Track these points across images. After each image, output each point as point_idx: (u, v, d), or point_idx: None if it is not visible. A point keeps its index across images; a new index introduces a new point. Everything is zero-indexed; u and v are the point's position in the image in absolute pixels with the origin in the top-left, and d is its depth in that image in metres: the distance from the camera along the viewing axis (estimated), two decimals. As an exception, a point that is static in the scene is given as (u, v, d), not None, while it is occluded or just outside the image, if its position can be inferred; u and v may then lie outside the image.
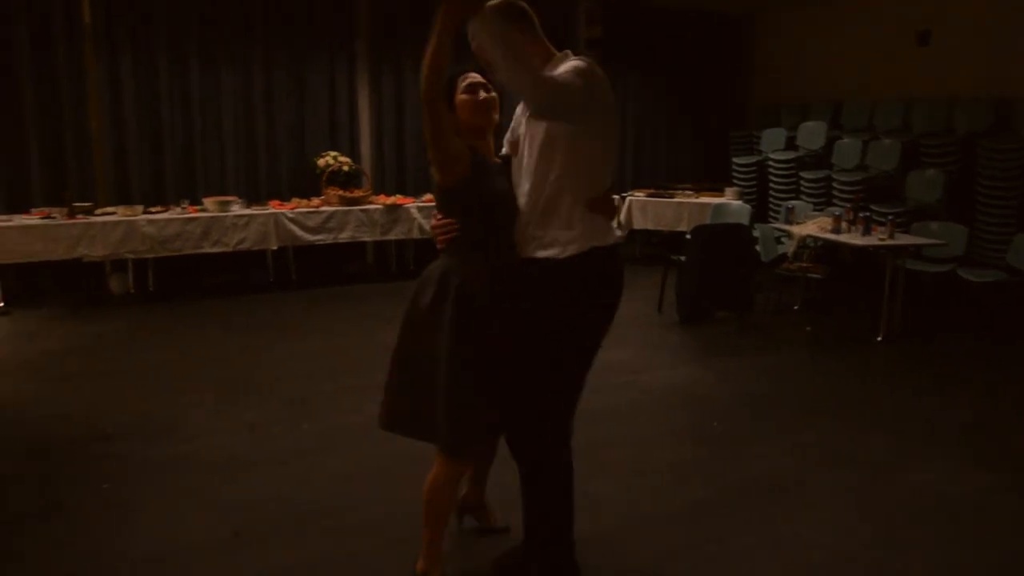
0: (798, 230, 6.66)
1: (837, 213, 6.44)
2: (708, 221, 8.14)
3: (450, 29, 2.24)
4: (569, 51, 2.55)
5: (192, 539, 3.07)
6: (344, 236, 7.79)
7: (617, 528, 3.16)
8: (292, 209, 7.60)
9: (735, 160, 9.50)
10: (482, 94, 2.56)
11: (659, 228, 9.13)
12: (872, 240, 6.07)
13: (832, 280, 6.85)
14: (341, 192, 7.88)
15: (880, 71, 8.76)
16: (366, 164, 8.71)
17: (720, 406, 4.68)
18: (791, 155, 8.89)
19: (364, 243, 8.37)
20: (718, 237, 6.70)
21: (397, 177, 8.95)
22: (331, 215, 7.70)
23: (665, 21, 10.21)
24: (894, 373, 5.45)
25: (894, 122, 8.37)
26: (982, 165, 7.20)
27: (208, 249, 7.22)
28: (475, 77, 2.57)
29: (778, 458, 3.91)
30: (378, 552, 2.98)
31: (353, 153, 8.55)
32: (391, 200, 8.08)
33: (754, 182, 9.22)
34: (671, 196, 9.15)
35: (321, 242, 7.72)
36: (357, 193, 7.97)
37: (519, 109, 2.69)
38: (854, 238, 6.15)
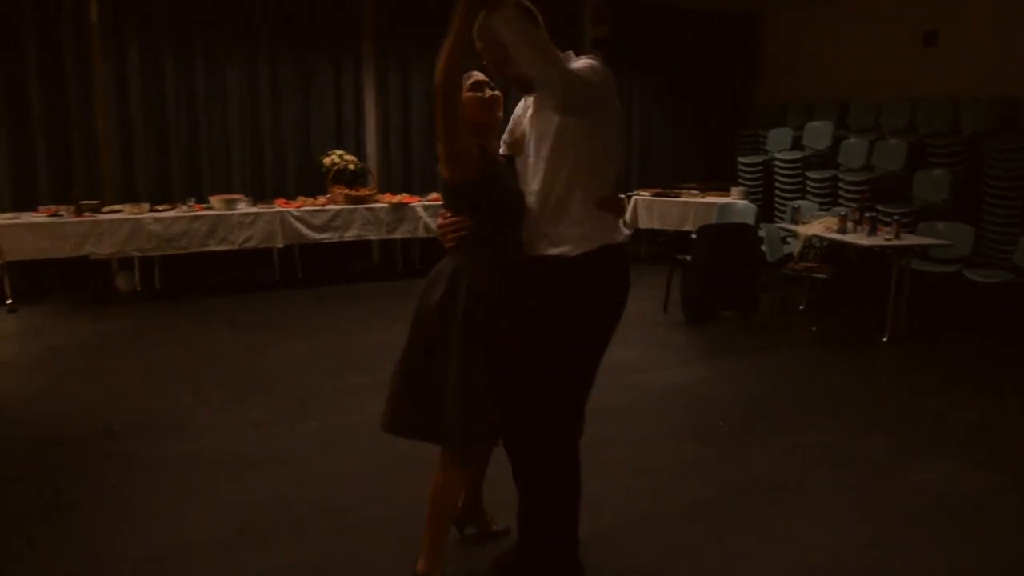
0: (804, 230, 6.65)
1: (843, 213, 6.43)
2: (714, 221, 8.14)
3: (469, 25, 2.25)
4: (571, 52, 2.56)
5: (193, 538, 3.08)
6: (350, 235, 7.82)
7: (617, 528, 3.17)
8: (298, 207, 7.62)
9: (741, 160, 9.49)
10: (487, 92, 2.56)
11: (665, 228, 9.13)
12: (878, 240, 6.06)
13: (838, 280, 6.83)
14: (347, 191, 7.90)
15: (886, 71, 8.74)
16: (372, 163, 8.73)
17: (722, 406, 4.68)
18: (797, 155, 8.87)
19: (370, 242, 8.39)
20: (724, 237, 6.70)
21: (403, 176, 8.96)
22: (337, 214, 7.72)
23: (671, 20, 10.19)
24: (899, 373, 5.43)
25: (900, 122, 8.34)
26: (988, 165, 7.18)
27: (214, 247, 7.25)
28: (479, 75, 2.57)
29: (779, 458, 3.91)
30: (378, 552, 2.98)
31: (359, 152, 8.57)
32: (397, 199, 8.10)
33: (760, 182, 9.21)
34: (677, 195, 9.15)
35: (327, 240, 7.74)
36: (363, 192, 7.99)
37: (518, 109, 2.70)
38: (860, 238, 6.14)
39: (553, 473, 2.61)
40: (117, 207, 7.15)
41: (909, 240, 6.24)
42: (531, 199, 2.53)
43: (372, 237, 8.00)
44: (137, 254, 7.07)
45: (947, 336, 6.37)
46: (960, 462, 3.90)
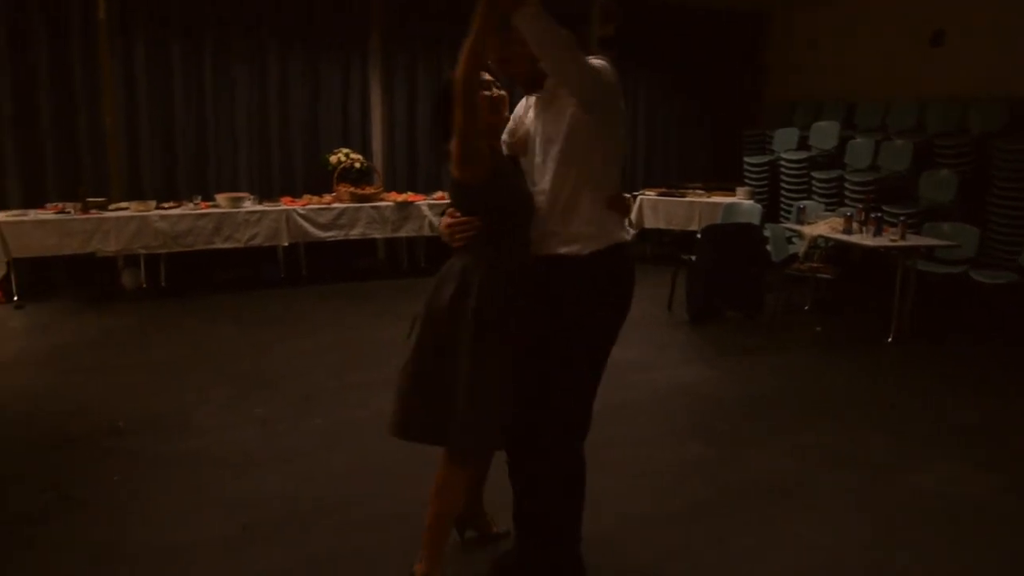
0: (809, 230, 6.64)
1: (848, 213, 6.42)
2: (719, 221, 8.13)
3: (490, 23, 2.24)
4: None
5: (198, 535, 3.10)
6: (355, 233, 7.83)
7: (617, 528, 3.19)
8: (304, 205, 7.65)
9: (747, 159, 9.47)
10: (495, 91, 2.56)
11: (670, 227, 9.12)
12: (883, 241, 6.05)
13: (843, 280, 6.83)
14: (353, 189, 7.92)
15: (894, 71, 8.71)
16: (378, 161, 8.74)
17: (724, 406, 4.68)
18: (803, 155, 8.85)
19: (375, 240, 8.41)
20: (729, 237, 6.70)
21: (408, 174, 8.98)
22: (342, 212, 7.74)
23: (679, 19, 10.18)
24: (902, 374, 5.43)
25: (907, 122, 8.32)
26: (996, 166, 7.15)
27: (220, 245, 7.28)
28: (485, 74, 2.56)
29: (780, 459, 3.92)
30: (383, 548, 3.00)
31: (365, 150, 8.59)
32: (402, 197, 8.11)
33: (766, 182, 9.19)
34: (683, 195, 9.14)
35: (332, 238, 7.76)
36: (368, 190, 8.01)
37: (519, 108, 2.70)
38: (865, 239, 6.13)
39: (555, 473, 2.63)
40: (123, 204, 7.18)
41: (914, 241, 6.23)
42: (540, 198, 2.54)
43: (377, 235, 8.03)
44: (143, 251, 7.11)
45: (952, 337, 6.37)
46: (960, 463, 3.90)
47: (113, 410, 4.39)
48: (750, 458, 3.93)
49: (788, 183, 8.89)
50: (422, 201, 8.13)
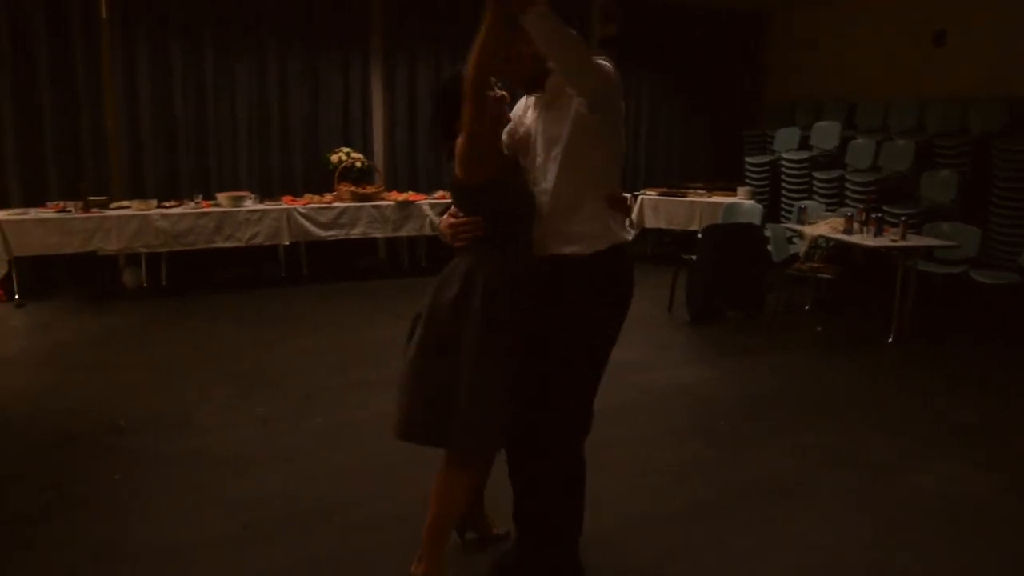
0: (810, 230, 6.64)
1: (849, 213, 6.42)
2: (720, 220, 8.13)
3: (501, 21, 2.23)
4: None
5: (199, 535, 3.11)
6: (356, 232, 7.84)
7: (617, 528, 3.19)
8: (305, 205, 7.65)
9: (748, 159, 9.47)
10: (498, 91, 2.55)
11: (671, 227, 9.13)
12: (884, 241, 6.05)
13: (843, 281, 6.83)
14: (353, 188, 7.92)
15: (895, 71, 8.71)
16: (379, 160, 8.75)
17: (724, 406, 4.69)
18: (804, 155, 8.85)
19: (376, 239, 8.42)
20: (730, 237, 6.70)
21: (409, 174, 8.98)
22: (343, 211, 7.74)
23: (679, 19, 10.18)
24: (903, 374, 5.44)
25: (908, 122, 8.32)
26: (997, 166, 7.15)
27: (221, 244, 7.29)
28: None
29: (780, 459, 3.92)
30: (384, 549, 3.00)
31: (366, 149, 8.59)
32: (403, 196, 8.12)
33: (767, 182, 9.19)
34: (683, 195, 9.14)
35: (333, 238, 7.77)
36: (369, 189, 8.01)
37: (518, 108, 2.70)
38: (866, 239, 6.13)
39: (555, 473, 2.63)
40: (125, 203, 7.19)
41: (915, 241, 6.23)
42: (542, 198, 2.54)
43: (378, 234, 8.03)
44: (144, 250, 7.11)
45: (952, 337, 6.37)
46: (961, 463, 3.91)
47: (114, 409, 4.40)
48: (750, 458, 3.94)
49: (789, 183, 8.89)
50: (423, 200, 8.13)
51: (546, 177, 2.53)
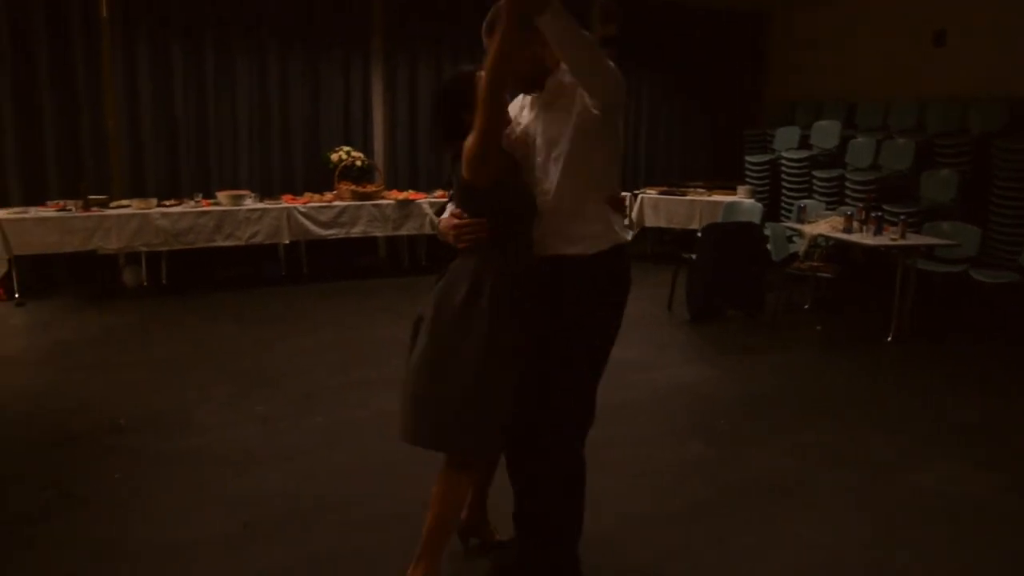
0: (809, 229, 6.65)
1: (849, 212, 6.42)
2: (720, 219, 8.14)
3: (515, 23, 2.22)
4: None
5: (199, 533, 3.11)
6: (356, 231, 7.84)
7: (617, 528, 3.19)
8: (305, 203, 7.65)
9: (748, 158, 9.47)
10: None
11: (671, 226, 9.13)
12: (883, 240, 6.06)
13: (843, 279, 6.83)
14: (354, 187, 7.92)
15: (895, 71, 8.72)
16: (379, 159, 8.75)
17: (724, 405, 4.69)
18: (804, 154, 8.86)
19: (376, 238, 8.42)
20: (730, 235, 6.70)
21: (409, 172, 8.98)
22: (343, 210, 7.74)
23: (680, 18, 10.19)
24: (903, 373, 5.44)
25: (908, 122, 8.33)
26: (996, 165, 7.16)
27: (221, 242, 7.29)
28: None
29: (780, 458, 3.93)
30: (384, 548, 3.00)
31: (366, 148, 8.59)
32: (403, 195, 8.12)
33: (767, 181, 9.19)
34: (683, 194, 9.15)
35: (333, 236, 7.77)
36: (369, 188, 8.01)
37: (513, 108, 2.70)
38: (865, 238, 6.13)
39: (555, 473, 2.63)
40: (125, 202, 7.19)
41: (915, 240, 6.23)
42: (543, 198, 2.53)
43: (378, 233, 8.03)
44: (144, 249, 7.11)
45: (952, 336, 6.37)
46: (960, 462, 3.91)
47: (114, 408, 4.40)
48: (750, 457, 3.94)
49: (789, 182, 8.90)
50: (423, 199, 8.13)
51: (547, 177, 2.52)
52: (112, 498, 3.40)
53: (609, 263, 2.53)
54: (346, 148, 8.20)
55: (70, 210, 6.82)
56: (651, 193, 9.24)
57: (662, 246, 9.71)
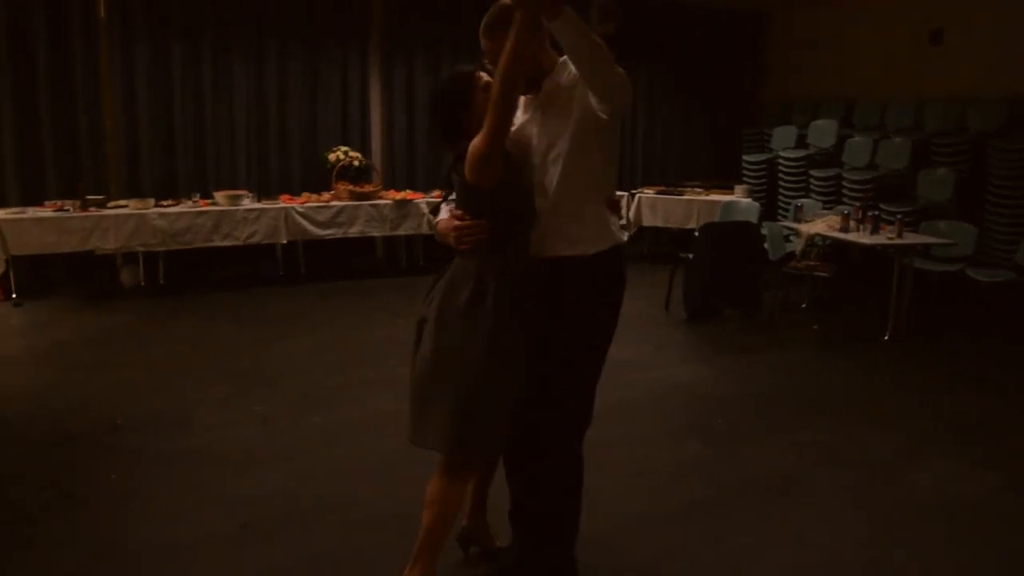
0: (806, 228, 6.66)
1: (846, 211, 6.44)
2: (717, 219, 8.15)
3: (529, 25, 2.22)
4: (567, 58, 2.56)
5: (199, 533, 3.11)
6: (354, 231, 7.84)
7: (614, 527, 3.20)
8: (302, 203, 7.65)
9: (745, 157, 9.48)
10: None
11: (668, 225, 9.13)
12: (880, 239, 6.08)
13: (840, 279, 6.84)
14: (351, 187, 7.92)
15: (892, 70, 8.73)
16: (376, 159, 8.75)
17: (722, 404, 4.70)
18: (801, 153, 8.86)
19: (373, 238, 8.42)
20: (727, 235, 6.71)
21: (407, 172, 8.98)
22: (341, 210, 7.75)
23: (678, 18, 10.19)
24: (900, 372, 5.45)
25: (905, 121, 8.34)
26: (993, 165, 7.17)
27: (218, 243, 7.29)
28: (488, 77, 2.53)
29: (777, 457, 3.94)
30: (383, 547, 3.00)
31: (364, 148, 8.59)
32: (401, 195, 8.12)
33: (764, 180, 9.20)
34: (681, 193, 9.15)
35: (331, 236, 7.77)
36: (367, 188, 8.01)
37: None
38: (862, 237, 6.15)
39: (554, 473, 2.63)
40: (122, 202, 7.18)
41: (911, 239, 6.25)
42: (541, 199, 2.53)
43: (376, 233, 8.03)
44: (142, 249, 7.11)
45: (949, 335, 6.39)
46: (958, 461, 3.92)
47: (113, 408, 4.40)
48: (748, 457, 3.95)
49: (786, 181, 8.91)
50: (421, 199, 8.13)
51: (546, 178, 2.53)
52: (112, 498, 3.40)
53: (608, 263, 2.54)
54: (344, 148, 8.20)
55: (68, 210, 6.82)
56: (648, 193, 9.24)
57: (659, 246, 9.71)
